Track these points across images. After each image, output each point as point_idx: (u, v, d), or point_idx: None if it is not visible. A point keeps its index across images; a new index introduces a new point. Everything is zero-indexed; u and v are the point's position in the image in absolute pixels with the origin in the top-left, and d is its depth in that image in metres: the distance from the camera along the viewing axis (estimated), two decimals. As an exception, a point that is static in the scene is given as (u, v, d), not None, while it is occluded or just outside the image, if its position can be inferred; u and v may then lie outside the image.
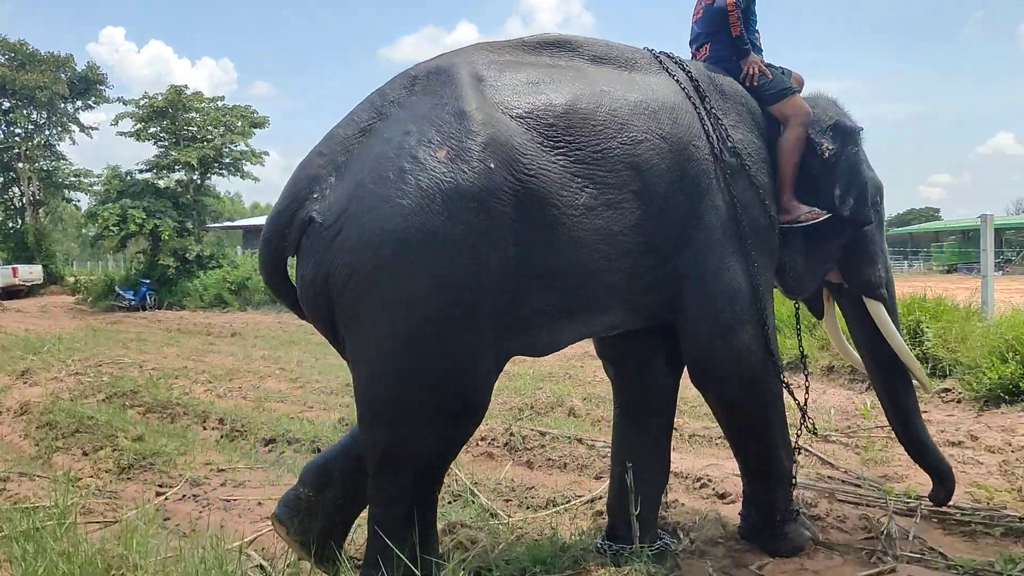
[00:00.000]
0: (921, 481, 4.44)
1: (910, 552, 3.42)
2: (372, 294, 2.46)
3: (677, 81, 3.16)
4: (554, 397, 6.15)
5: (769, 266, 3.30)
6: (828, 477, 4.51)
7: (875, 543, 3.52)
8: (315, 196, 2.56)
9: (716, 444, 5.16)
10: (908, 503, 3.97)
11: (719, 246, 3.07)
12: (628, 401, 3.43)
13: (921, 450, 3.82)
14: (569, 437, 5.03)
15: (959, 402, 6.76)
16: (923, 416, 6.10)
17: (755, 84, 3.44)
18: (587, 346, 10.65)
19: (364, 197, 2.47)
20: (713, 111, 3.16)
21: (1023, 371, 6.44)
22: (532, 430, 5.18)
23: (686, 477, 4.45)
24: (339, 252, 2.48)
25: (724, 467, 4.63)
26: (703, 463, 4.67)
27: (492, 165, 2.52)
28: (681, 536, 3.52)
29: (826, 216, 3.34)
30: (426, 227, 2.42)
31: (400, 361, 2.49)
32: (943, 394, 6.99)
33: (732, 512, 3.90)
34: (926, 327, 7.66)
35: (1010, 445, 5.06)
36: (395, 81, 2.81)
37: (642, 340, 3.30)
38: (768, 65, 3.50)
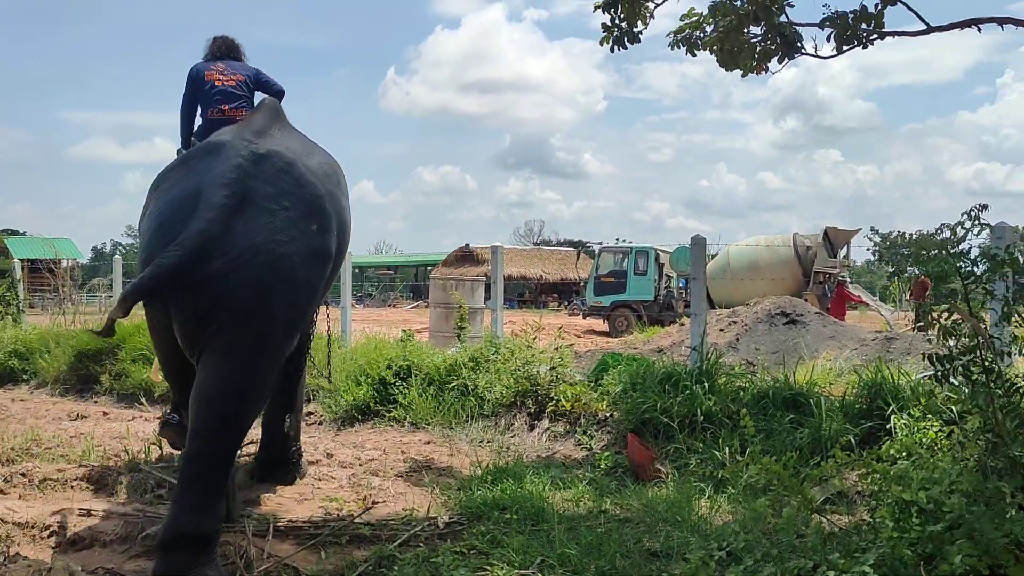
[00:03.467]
0: (281, 502, 4.67)
1: (266, 569, 3.54)
2: (273, 311, 3.64)
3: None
4: None
5: None
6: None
7: (233, 567, 3.56)
8: (218, 254, 3.46)
9: (71, 487, 4.74)
10: (263, 524, 4.11)
11: None
12: None
13: None
14: None
15: (321, 424, 7.31)
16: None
17: None
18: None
19: (268, 252, 3.57)
20: None
21: (373, 393, 7.25)
22: None
23: (32, 526, 3.97)
24: (243, 288, 3.52)
25: (77, 510, 4.25)
26: (51, 509, 4.22)
27: (336, 231, 3.96)
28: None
29: None
30: (310, 275, 3.79)
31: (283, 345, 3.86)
32: (307, 416, 7.47)
33: (85, 557, 3.62)
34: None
35: (359, 460, 5.62)
36: (242, 158, 3.72)
37: None
38: None
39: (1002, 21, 5.84)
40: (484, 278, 16.15)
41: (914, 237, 2.89)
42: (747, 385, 5.71)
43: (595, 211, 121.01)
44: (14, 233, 56.80)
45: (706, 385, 5.61)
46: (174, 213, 3.61)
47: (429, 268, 50.63)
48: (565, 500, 4.52)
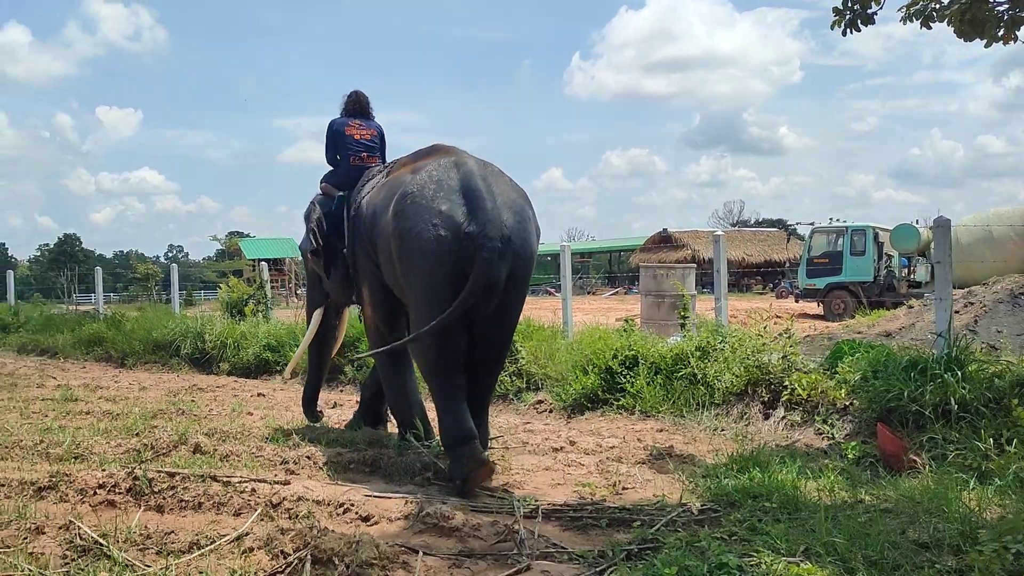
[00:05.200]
0: (537, 486, 4.97)
1: (539, 550, 3.82)
2: (528, 280, 5.10)
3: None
4: (175, 435, 5.78)
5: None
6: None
7: (508, 546, 3.87)
8: (505, 233, 4.75)
9: (351, 470, 5.25)
10: (530, 506, 4.40)
11: None
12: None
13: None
14: (202, 476, 4.77)
15: (551, 411, 7.63)
16: (526, 425, 6.80)
17: None
18: (193, 379, 10.20)
19: (521, 233, 4.88)
20: None
21: (600, 382, 7.47)
22: (158, 471, 4.82)
23: (328, 504, 4.47)
24: (523, 259, 4.90)
25: (362, 491, 4.74)
26: (342, 489, 4.73)
27: None
28: (336, 562, 3.55)
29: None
30: (537, 251, 5.16)
31: None
32: (537, 405, 7.84)
33: (379, 532, 4.04)
34: (520, 346, 8.52)
35: (600, 447, 5.85)
36: (479, 166, 5.06)
37: None
38: None
39: None
40: (692, 264, 15.99)
41: None
42: (1004, 372, 5.43)
43: (792, 187, 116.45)
44: (241, 235, 62.12)
45: (958, 373, 5.38)
46: (453, 206, 4.79)
47: (622, 254, 50.57)
48: (817, 489, 4.52)
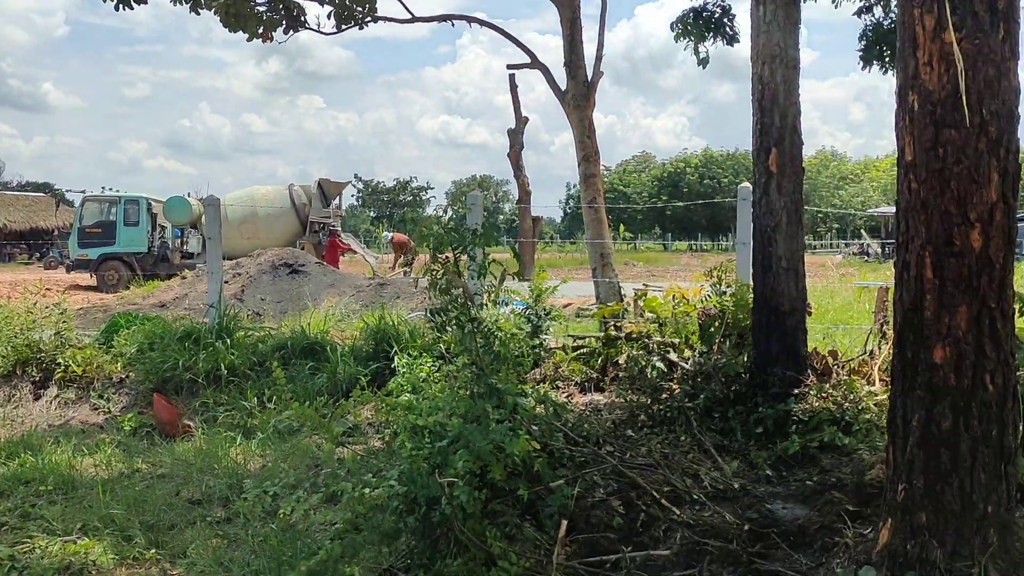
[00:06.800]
0: None
1: None
2: None
3: None
4: None
5: None
6: None
7: None
8: None
9: None
10: None
11: None
12: None
13: None
14: None
15: None
16: None
17: None
18: None
19: None
20: None
21: None
22: None
23: None
24: None
25: None
26: None
27: None
28: None
29: None
30: None
31: None
32: None
33: None
34: None
35: None
36: None
37: None
38: None
39: (470, 20, 6.99)
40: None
41: (417, 216, 3.57)
42: (267, 337, 6.13)
43: (61, 148, 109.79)
44: None
45: (228, 340, 5.90)
46: None
47: None
48: (95, 465, 4.53)
